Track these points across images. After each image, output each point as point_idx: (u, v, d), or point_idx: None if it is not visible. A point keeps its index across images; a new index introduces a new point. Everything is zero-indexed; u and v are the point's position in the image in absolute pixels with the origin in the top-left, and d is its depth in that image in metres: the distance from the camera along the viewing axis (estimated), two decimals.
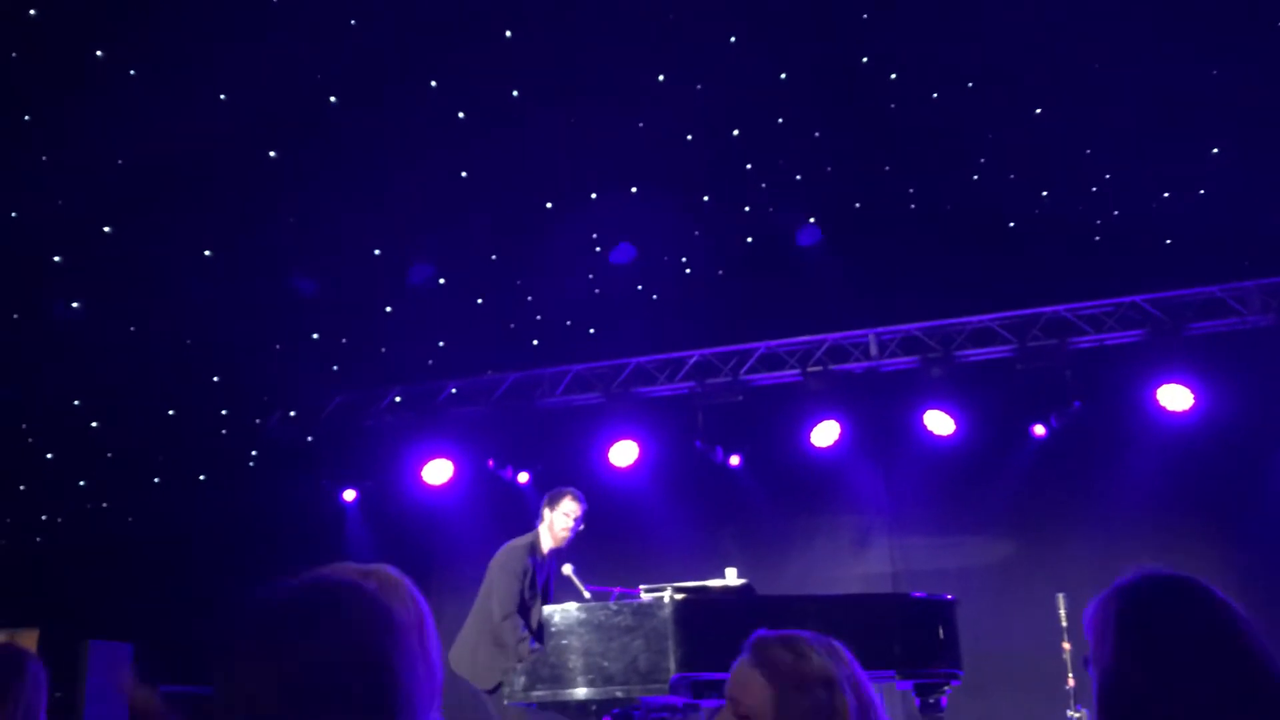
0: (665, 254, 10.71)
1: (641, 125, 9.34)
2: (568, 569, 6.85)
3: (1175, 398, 9.85)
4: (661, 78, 9.02)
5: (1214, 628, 1.75)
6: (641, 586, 6.46)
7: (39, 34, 7.59)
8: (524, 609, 6.61)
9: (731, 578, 6.79)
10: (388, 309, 10.70)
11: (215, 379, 10.51)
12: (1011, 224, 10.22)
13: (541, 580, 6.81)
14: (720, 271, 10.88)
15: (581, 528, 6.91)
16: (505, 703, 6.22)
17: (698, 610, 5.98)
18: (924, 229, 10.07)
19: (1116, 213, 9.94)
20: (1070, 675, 7.40)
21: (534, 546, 6.82)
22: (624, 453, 11.01)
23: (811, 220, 10.47)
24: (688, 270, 10.86)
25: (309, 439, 11.69)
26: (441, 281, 10.51)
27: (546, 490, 7.14)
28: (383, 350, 11.13)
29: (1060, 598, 7.52)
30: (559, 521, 6.82)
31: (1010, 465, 10.49)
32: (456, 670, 6.75)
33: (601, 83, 8.86)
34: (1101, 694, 1.79)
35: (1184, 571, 1.86)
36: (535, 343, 11.27)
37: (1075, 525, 10.19)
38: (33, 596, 9.62)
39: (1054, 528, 10.30)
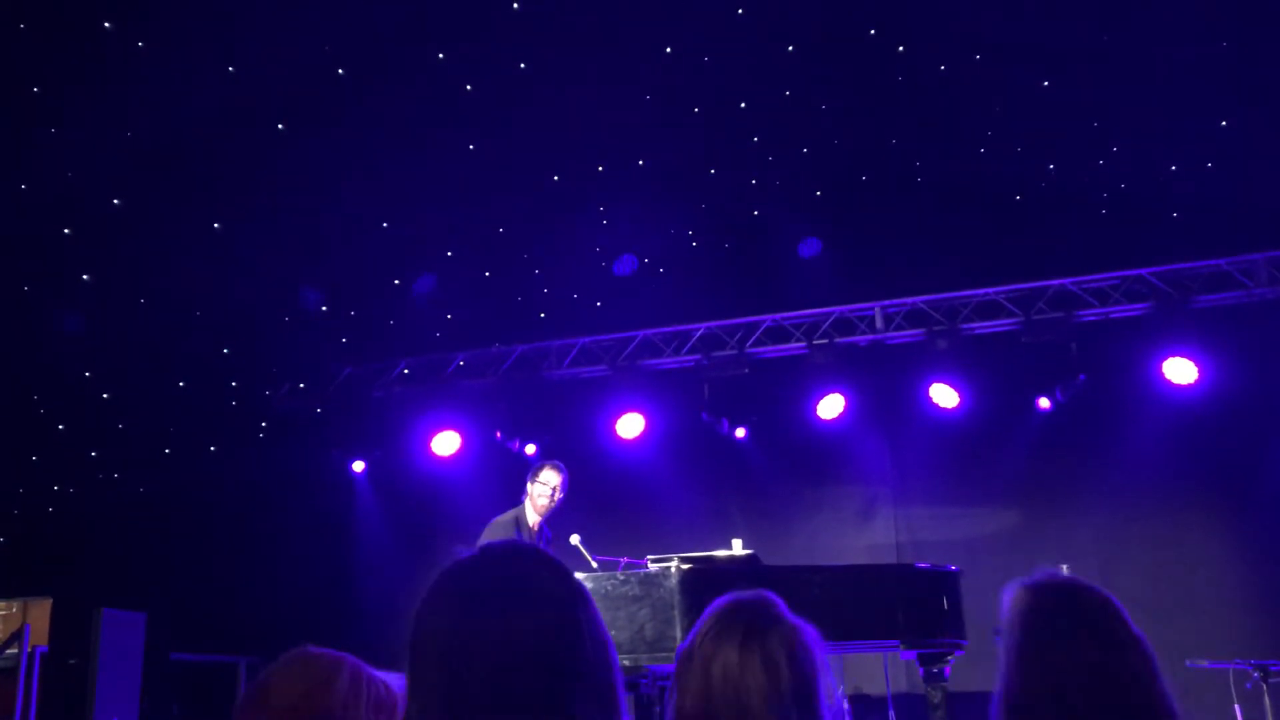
0: (671, 227, 10.72)
1: (649, 98, 9.34)
2: (575, 539, 6.92)
3: (1181, 371, 9.86)
4: (668, 50, 9.01)
5: (1103, 635, 1.99)
6: (648, 557, 6.53)
7: (47, 6, 7.60)
8: None
9: (737, 548, 6.85)
10: (395, 281, 10.74)
11: (225, 351, 10.57)
12: (1018, 197, 10.21)
13: None
14: (726, 245, 10.89)
15: (562, 495, 6.95)
16: None
17: (703, 580, 6.04)
18: (930, 202, 10.07)
19: (1123, 186, 9.92)
20: None
21: (519, 519, 6.89)
22: (631, 425, 11.06)
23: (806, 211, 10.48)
24: (694, 243, 10.87)
25: (318, 410, 11.75)
26: (449, 254, 10.54)
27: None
28: (391, 322, 11.17)
29: (1064, 569, 7.53)
30: (537, 491, 6.90)
31: (1015, 438, 10.52)
32: None
33: (608, 56, 8.85)
34: (1004, 679, 2.06)
35: (1078, 581, 2.16)
36: (542, 315, 11.31)
37: (1080, 497, 10.24)
38: (46, 566, 9.73)
39: (1058, 499, 10.36)
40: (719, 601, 2.00)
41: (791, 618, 1.94)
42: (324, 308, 10.40)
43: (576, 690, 1.37)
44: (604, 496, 10.47)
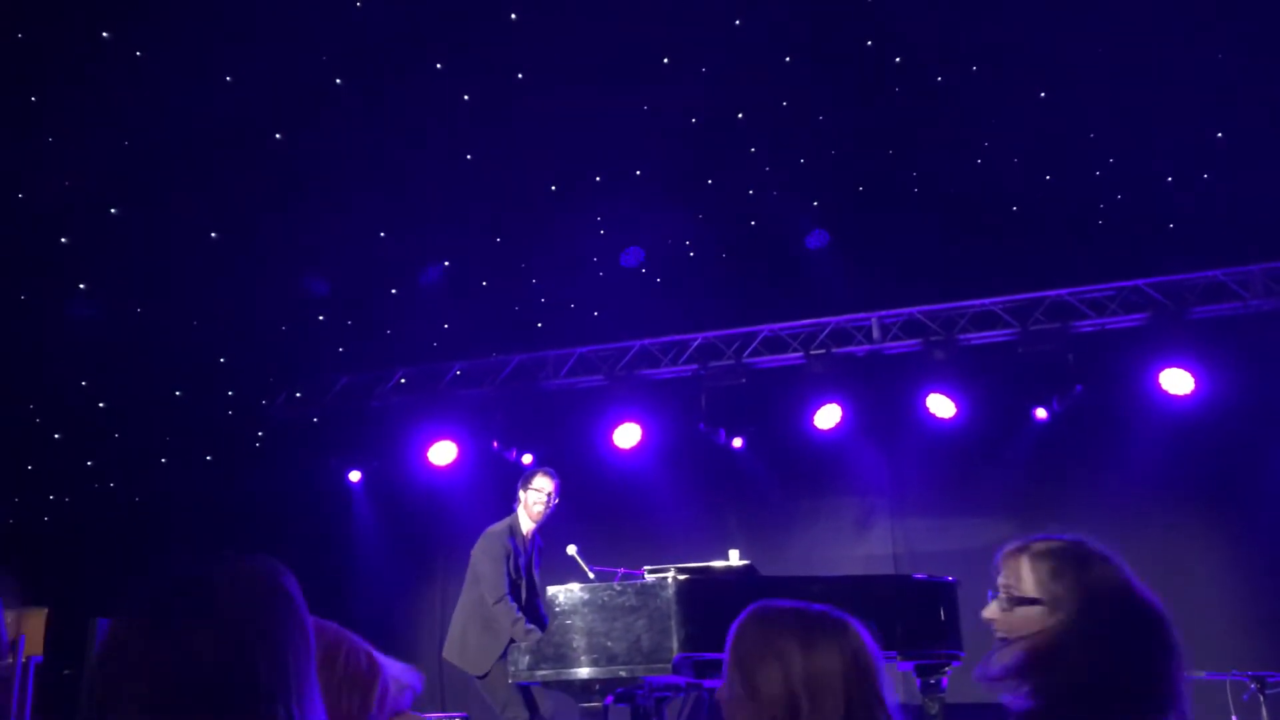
0: (669, 237, 10.73)
1: (646, 108, 9.36)
2: (572, 549, 6.91)
3: (1177, 382, 9.86)
4: (666, 61, 9.03)
5: (1122, 580, 2.09)
6: (645, 567, 6.52)
7: (46, 15, 7.61)
8: (513, 590, 6.67)
9: (734, 559, 6.85)
10: (393, 290, 10.74)
11: (221, 360, 10.56)
12: (1015, 208, 10.22)
13: (524, 561, 6.87)
14: (724, 255, 10.90)
15: (557, 502, 6.95)
16: (509, 680, 6.28)
17: (701, 591, 6.03)
18: (927, 212, 10.09)
19: (1120, 196, 9.95)
20: None
21: (513, 529, 6.87)
22: (628, 435, 11.04)
23: (812, 206, 10.47)
24: (691, 254, 10.88)
25: (315, 420, 11.73)
26: (445, 264, 10.54)
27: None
28: (388, 332, 11.17)
29: None
30: (532, 498, 6.88)
31: (1012, 448, 10.52)
32: (447, 659, 6.82)
33: (606, 66, 8.86)
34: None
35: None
36: (540, 325, 11.31)
37: (1076, 508, 10.22)
38: (40, 576, 9.70)
39: (1055, 511, 10.33)
40: (784, 609, 1.99)
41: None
42: (319, 288, 10.35)
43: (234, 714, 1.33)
44: (601, 506, 10.47)
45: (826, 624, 1.90)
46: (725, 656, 1.96)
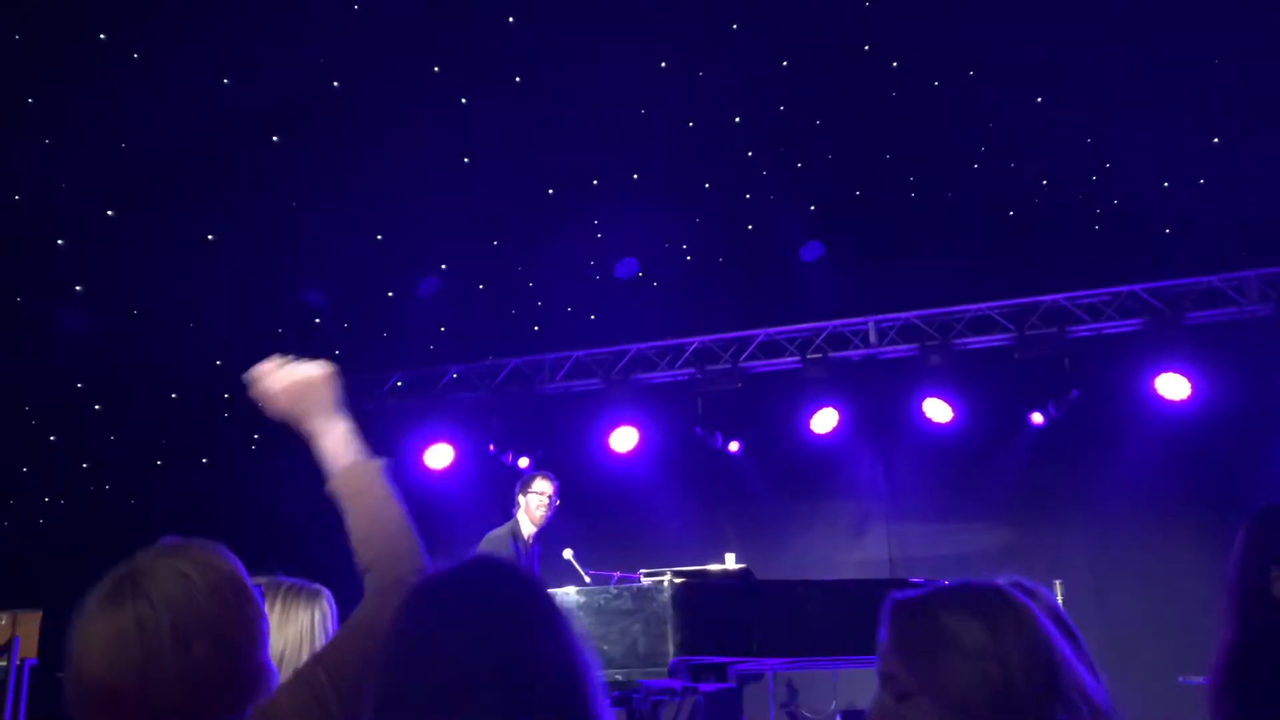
0: (666, 241, 10.73)
1: (643, 112, 9.36)
2: (568, 553, 6.91)
3: (1173, 387, 9.87)
4: (664, 65, 9.03)
5: None
6: (641, 571, 6.52)
7: (42, 17, 7.60)
8: None
9: (730, 563, 6.85)
10: (389, 294, 10.72)
11: (217, 363, 10.54)
12: (1011, 213, 10.23)
13: (527, 565, 6.86)
14: (721, 259, 10.90)
15: (558, 503, 6.95)
16: None
17: (697, 595, 6.03)
18: (924, 217, 10.09)
19: (1116, 202, 9.96)
20: None
21: (515, 533, 6.87)
22: (624, 438, 11.04)
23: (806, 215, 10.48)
24: (688, 258, 10.88)
25: None
26: (443, 267, 10.54)
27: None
28: (384, 335, 11.15)
29: (1057, 584, 7.54)
30: (534, 501, 6.88)
31: (1008, 453, 10.52)
32: None
33: (604, 69, 8.87)
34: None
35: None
36: (536, 328, 11.30)
37: (1072, 513, 10.24)
38: (36, 579, 9.67)
39: (1051, 515, 10.35)
40: None
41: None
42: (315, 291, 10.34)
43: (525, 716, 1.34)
44: (597, 510, 10.45)
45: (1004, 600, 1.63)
46: (882, 659, 1.71)
